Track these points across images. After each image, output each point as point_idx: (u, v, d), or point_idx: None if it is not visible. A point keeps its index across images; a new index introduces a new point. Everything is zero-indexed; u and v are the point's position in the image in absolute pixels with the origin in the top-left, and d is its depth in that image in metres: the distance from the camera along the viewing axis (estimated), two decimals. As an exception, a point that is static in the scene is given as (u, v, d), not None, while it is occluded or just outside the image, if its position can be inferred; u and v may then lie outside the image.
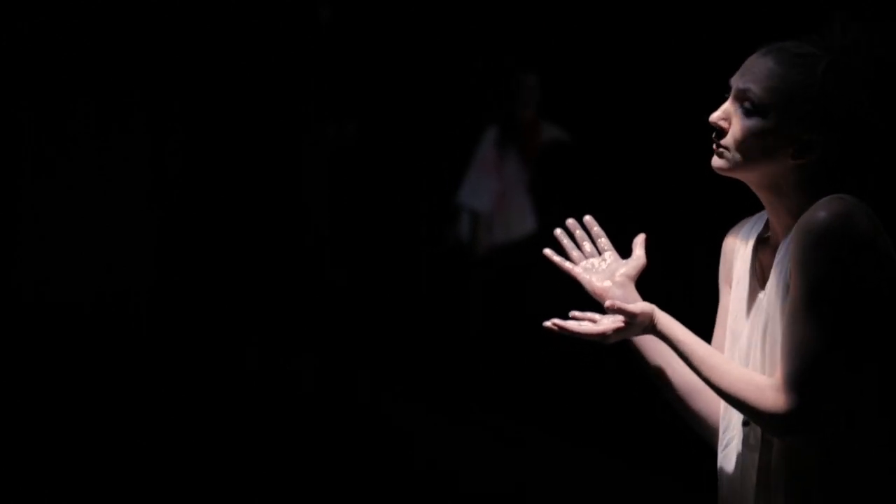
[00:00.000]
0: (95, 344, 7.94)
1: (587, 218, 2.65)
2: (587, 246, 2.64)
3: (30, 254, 8.43)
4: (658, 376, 2.57)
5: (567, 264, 2.62)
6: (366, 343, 7.95)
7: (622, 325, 2.41)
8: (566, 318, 2.46)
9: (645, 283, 2.63)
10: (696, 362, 2.40)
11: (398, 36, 8.59)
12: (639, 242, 2.61)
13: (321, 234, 8.84)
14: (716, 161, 2.44)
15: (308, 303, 8.48)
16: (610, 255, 2.62)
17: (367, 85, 8.70)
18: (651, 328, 2.42)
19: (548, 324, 2.44)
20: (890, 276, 2.33)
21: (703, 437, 2.60)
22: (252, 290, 8.59)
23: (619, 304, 2.41)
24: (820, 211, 2.31)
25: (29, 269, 8.42)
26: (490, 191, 7.53)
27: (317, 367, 7.80)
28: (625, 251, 2.60)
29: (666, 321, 2.43)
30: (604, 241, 2.63)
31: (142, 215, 8.64)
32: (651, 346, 2.55)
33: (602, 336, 2.42)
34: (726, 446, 2.52)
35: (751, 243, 2.51)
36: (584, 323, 2.44)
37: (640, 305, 2.42)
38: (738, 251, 2.55)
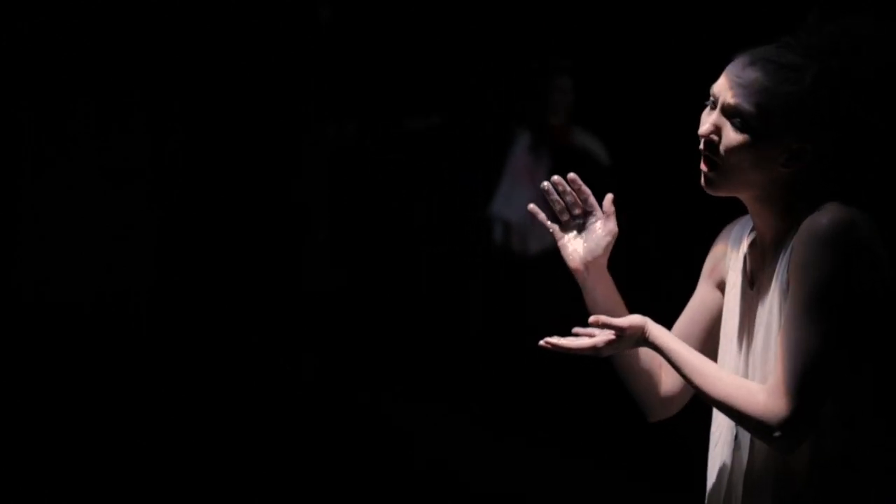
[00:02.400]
0: (95, 343, 7.94)
1: (571, 175, 2.63)
2: (573, 204, 2.63)
3: (29, 253, 8.43)
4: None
5: (552, 226, 2.62)
6: (366, 344, 7.93)
7: (613, 337, 2.42)
8: (584, 325, 2.48)
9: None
10: (688, 372, 2.40)
11: (399, 35, 8.57)
12: (609, 211, 2.59)
13: (321, 233, 8.83)
14: (705, 179, 2.44)
15: (308, 303, 8.47)
16: (597, 220, 2.60)
17: (367, 85, 8.69)
18: (643, 341, 2.43)
19: (543, 342, 2.45)
20: (888, 282, 2.33)
21: (642, 406, 2.64)
22: (252, 290, 8.58)
23: (604, 318, 2.42)
24: (822, 217, 2.32)
25: (28, 268, 8.41)
26: (523, 200, 7.33)
27: (317, 367, 7.79)
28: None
29: (658, 333, 2.43)
30: (591, 201, 2.62)
31: (142, 215, 8.63)
32: (598, 285, 2.58)
33: (594, 350, 2.43)
34: (716, 445, 2.53)
35: (742, 247, 2.52)
36: (581, 338, 2.45)
37: (628, 319, 2.44)
38: (730, 255, 2.57)
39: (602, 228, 2.59)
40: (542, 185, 2.60)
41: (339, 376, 7.63)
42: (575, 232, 2.60)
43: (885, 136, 2.38)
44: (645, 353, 2.56)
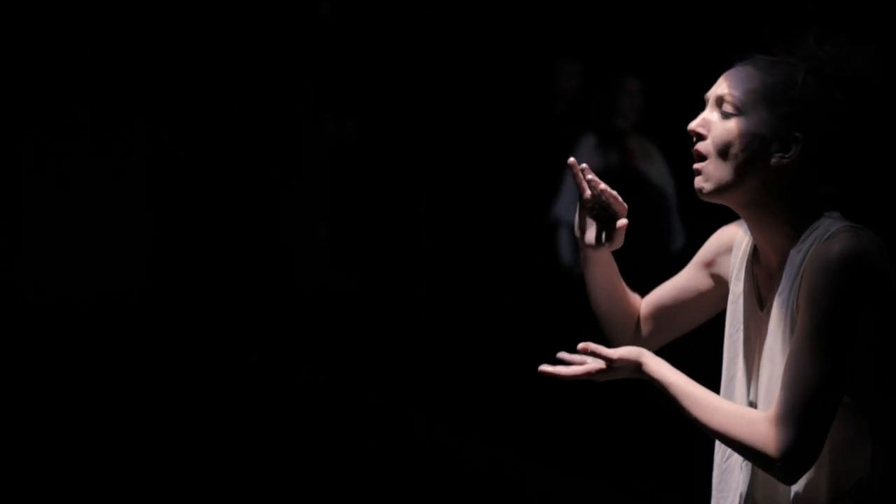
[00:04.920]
0: (93, 339, 7.95)
1: (593, 179, 2.61)
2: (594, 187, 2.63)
3: (30, 251, 8.45)
4: (591, 288, 2.68)
5: (585, 187, 2.59)
6: (365, 345, 7.92)
7: (603, 367, 2.40)
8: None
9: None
10: (686, 403, 2.37)
11: (397, 30, 8.55)
12: (620, 231, 2.60)
13: (321, 233, 8.83)
14: (697, 181, 2.44)
15: (305, 304, 8.47)
16: (611, 224, 2.61)
17: (366, 81, 8.67)
18: (638, 372, 2.41)
19: (540, 369, 2.43)
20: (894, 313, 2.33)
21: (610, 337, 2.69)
22: (249, 289, 8.59)
23: (592, 346, 2.40)
24: (834, 245, 2.30)
25: (29, 266, 8.43)
26: None
27: (315, 367, 7.78)
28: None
29: (654, 366, 2.40)
30: (615, 208, 2.61)
31: (140, 214, 8.65)
32: (597, 265, 2.64)
33: (588, 376, 2.41)
34: (727, 459, 2.52)
35: (746, 261, 2.51)
36: (574, 366, 2.43)
37: (619, 351, 2.41)
38: (734, 261, 2.56)
39: (607, 236, 2.61)
40: (569, 160, 2.59)
41: (337, 377, 7.62)
42: (596, 212, 2.61)
43: (862, 141, 2.39)
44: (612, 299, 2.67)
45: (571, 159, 2.59)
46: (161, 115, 8.65)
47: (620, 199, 2.59)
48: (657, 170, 6.82)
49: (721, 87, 2.42)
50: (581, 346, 2.41)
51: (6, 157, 8.42)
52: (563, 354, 2.43)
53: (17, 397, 6.94)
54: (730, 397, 2.50)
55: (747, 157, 2.38)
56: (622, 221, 2.58)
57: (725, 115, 2.40)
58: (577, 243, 2.64)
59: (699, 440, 2.60)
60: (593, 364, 2.41)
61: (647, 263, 6.53)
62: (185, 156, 8.73)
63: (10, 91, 8.34)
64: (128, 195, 8.62)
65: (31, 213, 8.47)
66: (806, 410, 2.28)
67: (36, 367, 7.48)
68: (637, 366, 2.40)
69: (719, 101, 2.41)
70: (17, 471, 5.93)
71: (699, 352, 2.88)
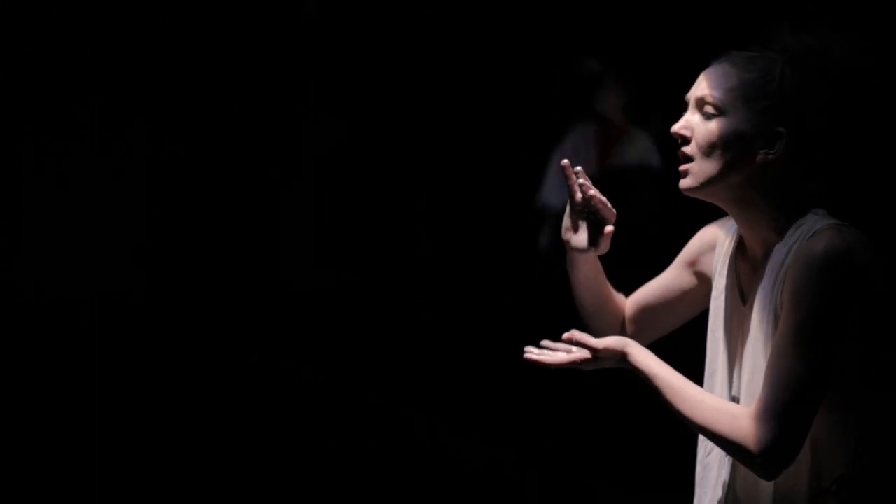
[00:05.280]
0: (93, 340, 7.95)
1: (585, 183, 2.61)
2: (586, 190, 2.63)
3: (30, 251, 8.44)
4: (576, 290, 2.67)
5: (576, 189, 2.58)
6: (365, 346, 7.91)
7: (588, 356, 2.39)
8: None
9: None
10: (669, 395, 2.37)
11: (383, 32, 8.53)
12: (607, 237, 2.60)
13: (320, 233, 8.82)
14: (682, 182, 2.43)
15: (304, 304, 8.46)
16: (600, 229, 2.61)
17: (353, 83, 8.66)
18: (623, 362, 2.40)
19: (526, 356, 2.42)
20: (878, 310, 2.33)
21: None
22: (249, 289, 8.58)
23: (577, 336, 2.40)
24: (818, 244, 2.30)
25: (29, 266, 8.43)
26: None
27: (315, 367, 7.78)
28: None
29: (639, 356, 2.40)
30: (603, 214, 2.61)
31: (140, 214, 8.64)
32: (582, 268, 2.63)
33: (573, 365, 2.40)
34: (708, 454, 2.52)
35: (730, 253, 2.51)
36: (559, 354, 2.42)
37: (604, 341, 2.41)
38: (717, 257, 2.56)
39: (594, 241, 2.60)
40: (563, 162, 2.59)
41: (336, 378, 7.61)
42: (585, 215, 2.60)
43: (846, 131, 2.38)
44: (598, 297, 2.67)
45: (565, 161, 2.59)
46: (161, 115, 8.65)
47: (609, 204, 2.58)
48: (645, 157, 6.77)
49: (701, 88, 2.42)
50: (566, 335, 2.40)
51: (6, 157, 8.43)
52: (547, 343, 2.43)
53: (17, 397, 6.94)
54: (711, 392, 2.49)
55: (732, 156, 2.38)
56: (609, 228, 2.58)
57: (707, 116, 2.40)
58: (564, 246, 2.63)
59: (697, 439, 2.60)
60: (578, 353, 2.40)
61: (633, 260, 6.52)
62: (185, 156, 8.73)
63: (10, 91, 8.34)
64: (128, 195, 8.62)
65: (31, 213, 8.47)
66: (788, 408, 2.28)
67: (36, 367, 7.47)
68: (622, 356, 2.40)
69: (700, 103, 2.41)
70: (18, 471, 5.93)
71: (683, 348, 2.87)
